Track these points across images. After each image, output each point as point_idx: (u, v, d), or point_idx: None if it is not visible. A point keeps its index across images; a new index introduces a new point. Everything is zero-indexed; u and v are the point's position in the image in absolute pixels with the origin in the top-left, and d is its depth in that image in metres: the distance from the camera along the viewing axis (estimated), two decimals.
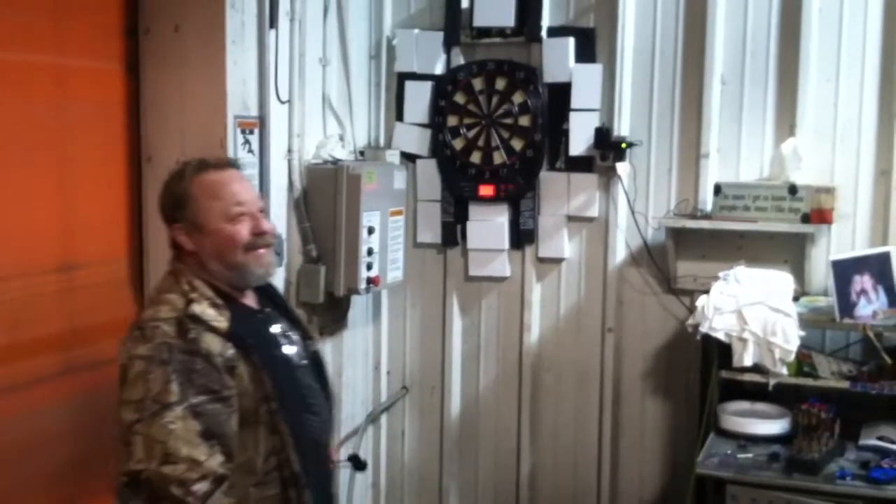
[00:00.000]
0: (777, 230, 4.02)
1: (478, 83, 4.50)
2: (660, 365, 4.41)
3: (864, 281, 3.82)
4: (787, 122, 4.11)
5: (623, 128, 4.32)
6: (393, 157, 4.54)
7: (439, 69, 4.56)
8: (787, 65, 4.10)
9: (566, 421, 4.57)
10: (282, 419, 2.37)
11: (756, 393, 3.93)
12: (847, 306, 3.76)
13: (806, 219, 3.94)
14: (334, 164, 4.10)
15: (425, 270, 4.70)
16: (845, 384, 3.76)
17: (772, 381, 3.78)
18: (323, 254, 4.06)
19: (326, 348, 4.33)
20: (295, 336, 2.59)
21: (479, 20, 4.46)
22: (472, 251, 4.59)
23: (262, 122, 3.78)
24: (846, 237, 4.06)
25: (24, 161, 3.25)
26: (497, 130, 4.49)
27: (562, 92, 4.38)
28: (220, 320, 2.34)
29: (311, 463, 2.43)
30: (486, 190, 4.48)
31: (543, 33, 4.40)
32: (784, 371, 3.76)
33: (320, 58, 4.21)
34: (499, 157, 4.48)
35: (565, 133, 4.40)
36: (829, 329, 3.96)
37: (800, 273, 4.06)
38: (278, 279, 3.96)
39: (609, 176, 4.36)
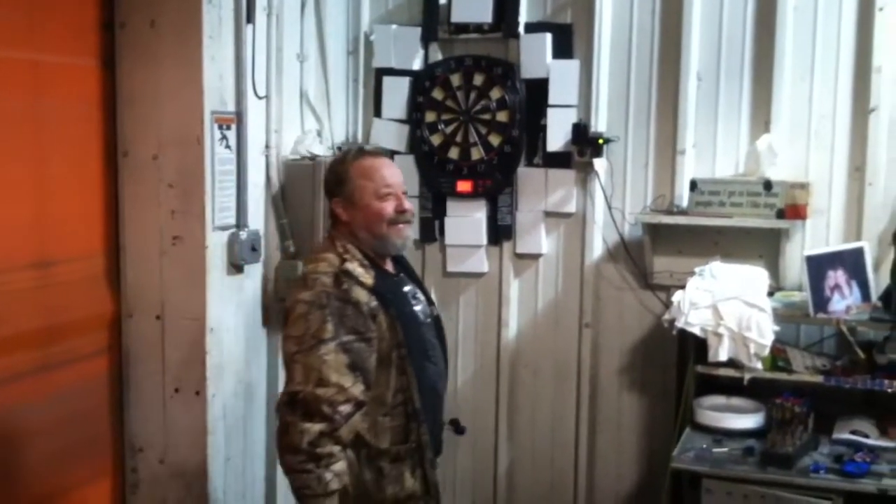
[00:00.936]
0: (752, 226, 4.05)
1: (455, 79, 4.51)
2: (636, 360, 4.44)
3: (837, 276, 3.85)
4: (762, 118, 4.14)
5: (600, 124, 4.34)
6: None
7: (417, 65, 4.56)
8: (762, 62, 4.13)
9: (544, 416, 4.58)
10: (409, 364, 2.85)
11: (731, 387, 3.96)
12: (821, 301, 3.80)
13: (781, 214, 3.98)
14: (312, 160, 4.09)
15: None
16: (819, 378, 3.79)
17: (747, 376, 3.81)
18: (301, 250, 4.06)
19: None
20: (422, 298, 3.06)
21: (457, 16, 4.46)
22: (450, 247, 4.60)
23: (239, 117, 3.78)
24: (820, 233, 4.09)
25: None
26: (475, 126, 4.49)
27: (539, 88, 4.39)
28: (367, 277, 2.82)
29: (428, 404, 2.90)
30: (463, 186, 4.49)
31: (521, 29, 4.41)
32: (759, 365, 3.79)
33: (298, 53, 4.21)
34: (476, 153, 4.49)
35: (543, 129, 4.42)
36: (804, 324, 4.00)
37: (774, 268, 4.10)
38: (256, 274, 3.96)
39: (586, 172, 4.38)
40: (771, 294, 3.94)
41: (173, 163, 3.64)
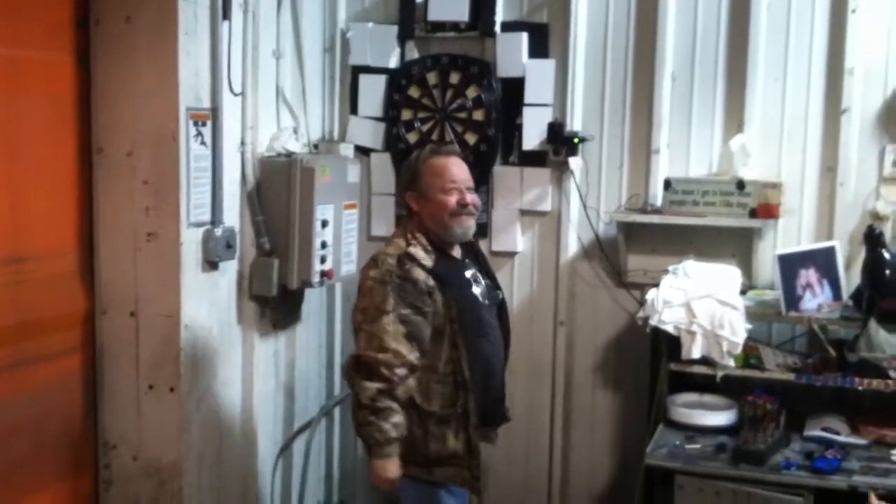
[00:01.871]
0: (725, 225, 4.09)
1: (432, 77, 4.52)
2: (610, 357, 4.47)
3: (809, 275, 3.89)
4: (735, 119, 4.19)
5: (575, 123, 4.36)
6: (347, 150, 4.54)
7: (393, 63, 4.57)
8: (735, 63, 4.17)
9: (518, 413, 4.55)
10: (461, 338, 3.22)
11: (704, 385, 4.00)
12: (793, 300, 3.84)
13: (753, 214, 4.02)
14: (288, 157, 4.09)
15: None
16: (790, 376, 3.83)
17: (719, 373, 3.85)
18: (276, 247, 4.05)
19: (280, 342, 4.33)
20: (484, 282, 3.40)
21: (434, 14, 4.47)
22: None
23: (214, 114, 3.76)
24: (792, 232, 4.14)
25: None
26: (451, 124, 4.51)
27: (515, 87, 4.41)
28: (427, 260, 3.23)
29: (477, 374, 3.25)
30: None
31: (497, 28, 4.43)
32: (731, 363, 3.83)
33: (274, 50, 4.19)
34: None
35: (518, 128, 4.44)
36: (776, 322, 4.04)
37: (747, 267, 4.13)
38: (231, 271, 3.95)
39: (562, 170, 4.40)
40: (743, 292, 3.99)
41: (148, 159, 3.62)
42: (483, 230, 4.51)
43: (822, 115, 4.10)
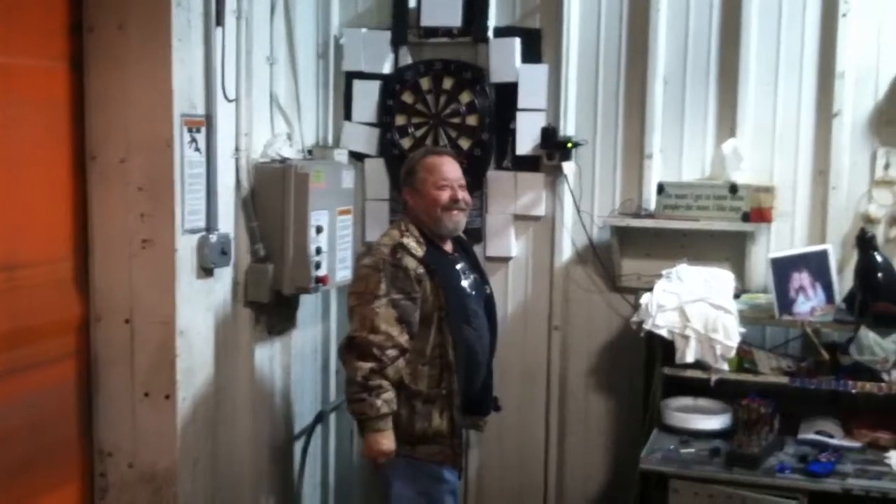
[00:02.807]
0: (718, 228, 4.10)
1: (425, 83, 4.53)
2: (605, 362, 4.47)
3: (802, 278, 3.91)
4: (727, 123, 4.20)
5: (569, 127, 4.38)
6: (341, 156, 4.56)
7: (387, 68, 4.58)
8: (727, 67, 4.19)
9: (513, 418, 4.60)
10: (446, 324, 3.45)
11: (698, 389, 4.01)
12: (786, 303, 3.85)
13: (746, 217, 4.03)
14: (282, 163, 4.09)
15: None
16: (784, 379, 3.85)
17: (713, 377, 3.86)
18: (271, 253, 4.05)
19: (275, 348, 4.33)
20: (472, 276, 3.66)
21: (427, 20, 4.48)
22: None
23: (208, 120, 3.75)
24: (785, 235, 4.15)
25: None
26: (445, 130, 4.52)
27: (508, 92, 4.42)
28: (419, 250, 3.47)
29: (461, 358, 3.48)
30: None
31: (490, 33, 4.44)
32: (725, 367, 3.84)
33: (267, 56, 4.19)
34: None
35: (512, 132, 4.45)
36: (769, 325, 4.05)
37: (740, 270, 4.15)
38: (226, 277, 3.96)
39: (555, 175, 4.42)
40: (737, 296, 4.00)
41: (142, 166, 3.61)
42: (477, 235, 4.53)
43: (813, 119, 4.11)
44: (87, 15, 3.61)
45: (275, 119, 4.28)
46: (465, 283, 3.61)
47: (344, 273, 4.28)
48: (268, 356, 4.28)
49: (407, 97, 4.56)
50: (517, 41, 4.39)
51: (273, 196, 4.02)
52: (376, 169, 4.64)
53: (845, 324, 3.81)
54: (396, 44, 4.56)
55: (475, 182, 4.47)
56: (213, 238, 3.79)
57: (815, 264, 3.95)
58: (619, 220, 4.26)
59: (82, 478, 3.76)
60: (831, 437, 3.82)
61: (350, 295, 3.48)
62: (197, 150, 3.72)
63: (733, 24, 4.15)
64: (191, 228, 3.70)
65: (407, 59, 4.59)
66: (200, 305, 3.79)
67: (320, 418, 4.66)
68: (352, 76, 4.63)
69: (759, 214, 4.06)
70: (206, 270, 3.79)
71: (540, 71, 4.39)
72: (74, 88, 3.63)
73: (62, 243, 3.63)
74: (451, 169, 3.61)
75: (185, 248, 3.68)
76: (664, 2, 4.21)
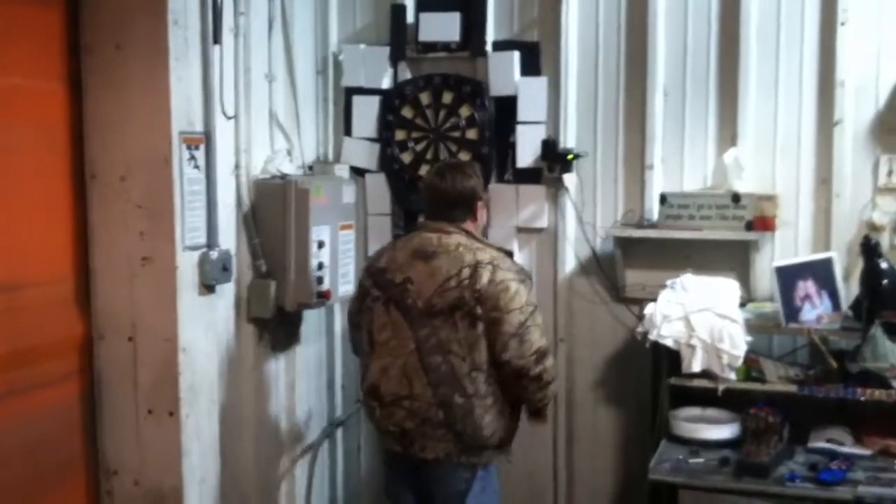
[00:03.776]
0: (722, 238, 4.08)
1: (425, 97, 4.53)
2: (611, 373, 4.45)
3: (807, 286, 3.89)
4: (728, 132, 4.19)
5: (569, 139, 4.37)
6: (342, 171, 4.54)
7: (386, 83, 4.58)
8: (727, 76, 4.18)
9: (520, 431, 4.53)
10: None
11: (706, 399, 3.98)
12: (792, 311, 3.83)
13: (749, 226, 4.01)
14: (282, 179, 4.08)
15: None
16: (792, 388, 3.82)
17: (720, 387, 3.83)
18: (273, 269, 4.04)
19: (279, 364, 4.31)
20: None
21: (425, 35, 4.49)
22: None
23: (207, 137, 3.75)
24: (789, 244, 4.13)
25: None
26: (445, 144, 4.51)
27: (508, 105, 4.42)
28: None
29: None
30: None
31: (488, 47, 4.44)
32: (732, 376, 3.82)
33: (266, 73, 4.19)
34: None
35: (512, 146, 4.44)
36: (776, 334, 4.03)
37: (745, 279, 4.13)
38: (228, 294, 3.95)
39: (556, 187, 4.40)
40: (742, 305, 3.98)
41: (141, 184, 3.61)
42: None
43: (814, 128, 4.10)
44: (85, 36, 3.62)
45: (274, 135, 4.28)
46: None
47: (346, 288, 4.26)
48: (272, 372, 4.26)
49: (407, 112, 4.55)
50: (516, 54, 4.39)
51: (274, 212, 4.01)
52: (377, 184, 4.63)
53: (852, 331, 3.79)
54: (395, 59, 4.56)
55: None
56: (214, 255, 3.77)
57: (821, 272, 3.92)
58: (621, 231, 4.25)
59: (88, 496, 3.75)
60: (841, 445, 3.79)
61: (510, 312, 3.34)
62: (196, 167, 3.71)
63: (732, 34, 4.14)
64: (191, 245, 3.69)
65: (406, 74, 4.59)
66: (203, 322, 3.78)
67: (327, 434, 4.63)
68: (351, 92, 4.63)
69: (763, 223, 4.04)
70: (207, 287, 3.78)
71: (539, 84, 4.39)
72: (73, 109, 3.64)
73: (63, 263, 3.63)
74: None
75: (186, 265, 3.67)
76: (662, 12, 4.21)
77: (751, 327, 3.85)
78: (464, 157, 4.48)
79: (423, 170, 4.50)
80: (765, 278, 4.10)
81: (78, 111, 3.65)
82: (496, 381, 3.41)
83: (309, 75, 4.60)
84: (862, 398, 3.72)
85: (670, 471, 3.70)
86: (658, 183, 4.27)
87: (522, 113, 4.40)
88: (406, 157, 4.55)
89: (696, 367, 3.81)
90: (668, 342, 3.85)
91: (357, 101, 4.62)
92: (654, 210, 4.24)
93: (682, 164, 4.27)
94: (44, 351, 3.53)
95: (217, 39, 3.78)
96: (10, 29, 3.36)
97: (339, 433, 4.76)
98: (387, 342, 3.47)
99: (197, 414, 3.74)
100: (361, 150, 4.63)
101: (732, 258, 4.18)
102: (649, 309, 3.93)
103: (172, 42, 3.58)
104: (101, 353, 3.71)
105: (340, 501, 4.82)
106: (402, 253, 3.52)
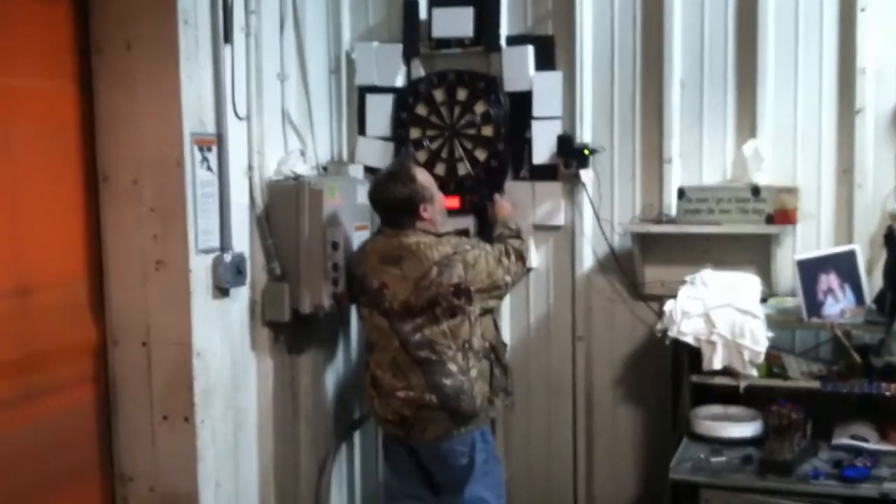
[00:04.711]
0: (742, 232, 4.02)
1: (439, 94, 4.49)
2: (631, 371, 4.39)
3: (830, 280, 3.82)
4: (747, 124, 4.12)
5: (585, 135, 4.31)
6: (356, 171, 4.51)
7: (400, 81, 4.54)
8: (745, 67, 4.11)
9: (539, 431, 4.53)
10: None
11: (727, 396, 3.92)
12: (814, 306, 3.76)
13: (770, 220, 3.95)
14: (296, 180, 4.05)
15: None
16: (816, 384, 3.76)
17: (742, 384, 3.78)
18: (287, 271, 4.01)
19: (295, 367, 4.27)
20: None
21: (438, 31, 4.44)
22: None
23: (219, 138, 3.72)
24: (811, 237, 4.06)
25: None
26: (460, 141, 4.47)
27: (523, 100, 4.37)
28: None
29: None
30: (451, 202, 4.39)
31: (502, 42, 4.39)
32: (754, 373, 3.76)
33: (278, 73, 4.17)
34: (463, 169, 4.46)
35: (528, 142, 4.39)
36: (798, 329, 3.97)
37: (766, 274, 4.06)
38: (242, 297, 3.93)
39: (573, 183, 4.35)
40: (763, 300, 3.92)
41: (154, 186, 3.59)
42: None
43: (835, 117, 4.03)
44: (95, 36, 3.61)
45: (287, 136, 4.25)
46: None
47: None
48: (288, 376, 4.22)
49: (421, 110, 4.51)
50: (530, 49, 4.34)
51: (288, 213, 3.98)
52: None
53: (876, 325, 3.71)
54: (408, 56, 4.52)
55: (492, 193, 4.42)
56: (228, 257, 3.75)
57: (843, 265, 3.86)
58: (639, 226, 4.19)
59: (103, 503, 3.72)
60: (866, 441, 3.73)
61: (491, 276, 3.81)
62: (209, 169, 3.69)
63: (750, 23, 4.08)
64: (205, 248, 3.67)
65: (419, 71, 4.55)
66: (217, 326, 3.76)
67: (344, 437, 4.60)
68: (364, 90, 4.59)
69: (784, 216, 3.97)
70: (221, 290, 3.76)
71: (554, 78, 4.34)
72: (84, 109, 3.63)
73: (76, 266, 3.62)
74: None
75: (200, 269, 3.65)
76: (678, 2, 4.15)
77: (772, 323, 3.78)
78: (480, 154, 4.44)
79: (439, 168, 4.48)
80: (786, 272, 4.04)
81: (89, 112, 3.64)
82: (476, 348, 3.78)
83: (321, 74, 4.57)
84: (887, 393, 3.65)
85: (692, 470, 3.65)
86: (676, 177, 4.21)
87: (537, 108, 4.35)
88: (421, 156, 4.51)
89: (717, 364, 3.75)
90: (689, 339, 3.79)
91: (370, 99, 4.58)
92: (672, 205, 4.18)
93: (700, 158, 4.21)
94: (58, 355, 3.52)
95: (228, 39, 3.76)
96: (20, 28, 3.36)
97: (357, 437, 4.73)
98: (377, 341, 3.83)
99: (212, 419, 3.72)
100: (376, 150, 4.59)
101: (753, 252, 4.11)
102: (669, 305, 3.88)
103: (183, 42, 3.56)
104: (116, 357, 3.69)
105: (358, 503, 4.78)
106: (372, 259, 3.85)
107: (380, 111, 4.57)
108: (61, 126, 3.55)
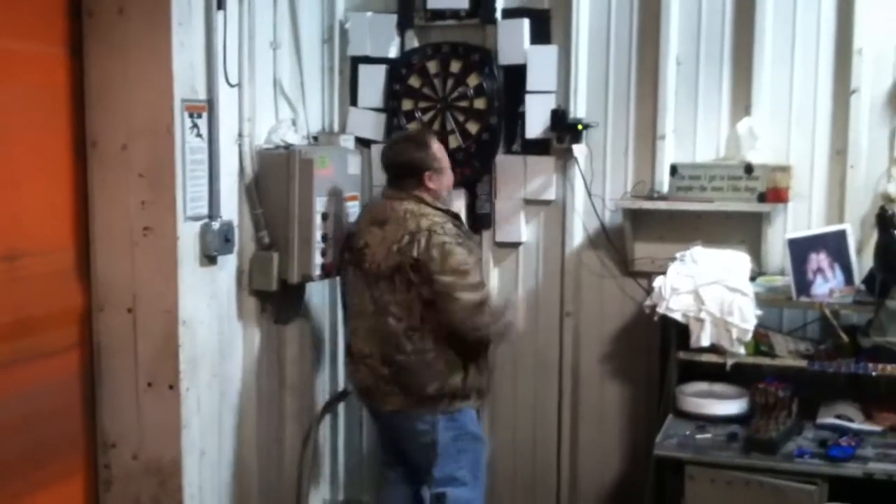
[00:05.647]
0: (733, 210, 4.01)
1: (432, 66, 4.45)
2: (618, 348, 4.39)
3: (820, 259, 3.82)
4: (742, 102, 4.11)
5: (579, 109, 4.29)
6: (347, 142, 4.48)
7: (393, 52, 4.51)
8: (741, 45, 4.09)
9: (525, 406, 4.53)
10: None
11: (714, 373, 3.92)
12: (804, 285, 3.76)
13: (762, 198, 3.94)
14: (286, 149, 4.02)
15: None
16: (803, 363, 3.76)
17: (729, 361, 3.79)
18: (276, 241, 3.99)
19: (282, 336, 4.26)
20: None
21: (433, 2, 4.41)
22: None
23: (210, 105, 3.69)
24: (802, 216, 4.06)
25: None
26: (452, 114, 4.44)
27: (517, 74, 4.34)
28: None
29: None
30: None
31: (498, 15, 4.35)
32: (741, 351, 3.77)
33: (271, 41, 4.13)
34: (454, 141, 4.43)
35: (521, 115, 4.36)
36: (787, 308, 3.97)
37: (756, 252, 4.06)
38: (230, 265, 3.91)
39: (566, 158, 4.33)
40: (753, 278, 3.92)
41: (143, 152, 3.56)
42: (487, 220, 4.46)
43: (830, 97, 4.02)
44: None
45: (279, 105, 4.22)
46: None
47: None
48: (274, 345, 4.21)
49: (414, 81, 4.48)
50: (526, 22, 4.31)
51: (277, 182, 3.96)
52: None
53: (865, 305, 3.72)
54: (403, 27, 4.49)
55: (484, 167, 4.42)
56: (216, 225, 3.73)
57: (834, 245, 3.85)
58: (631, 202, 4.18)
59: (86, 469, 3.72)
60: (851, 421, 3.74)
61: (442, 273, 3.58)
62: (199, 135, 3.66)
63: (747, 1, 4.05)
64: (193, 216, 3.64)
65: (413, 42, 4.52)
66: (204, 294, 3.74)
67: (329, 407, 4.59)
68: (357, 61, 4.56)
69: (776, 195, 3.96)
70: (209, 258, 3.74)
71: (549, 52, 4.31)
72: (74, 74, 3.58)
73: (63, 232, 3.59)
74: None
75: (188, 236, 3.62)
76: None
77: (761, 301, 3.79)
78: (472, 127, 4.42)
79: None
80: (776, 251, 4.04)
81: (79, 77, 3.59)
82: (442, 336, 3.64)
83: (314, 43, 4.53)
84: (874, 373, 3.67)
85: (677, 446, 3.65)
86: (670, 154, 4.19)
87: (532, 82, 4.32)
88: (413, 128, 4.48)
89: (705, 341, 3.76)
90: (677, 316, 3.79)
91: (363, 70, 4.55)
92: (664, 181, 4.17)
93: (694, 135, 4.20)
94: (43, 321, 3.49)
95: (221, 5, 3.72)
96: None
97: (342, 407, 4.72)
98: (357, 304, 3.79)
99: (197, 387, 3.70)
100: (367, 121, 4.56)
101: (744, 230, 4.11)
102: (658, 282, 3.87)
103: (175, 6, 3.52)
104: (101, 324, 3.67)
105: (342, 474, 4.79)
106: (367, 217, 3.84)
107: (372, 82, 4.54)
108: (51, 90, 3.51)
